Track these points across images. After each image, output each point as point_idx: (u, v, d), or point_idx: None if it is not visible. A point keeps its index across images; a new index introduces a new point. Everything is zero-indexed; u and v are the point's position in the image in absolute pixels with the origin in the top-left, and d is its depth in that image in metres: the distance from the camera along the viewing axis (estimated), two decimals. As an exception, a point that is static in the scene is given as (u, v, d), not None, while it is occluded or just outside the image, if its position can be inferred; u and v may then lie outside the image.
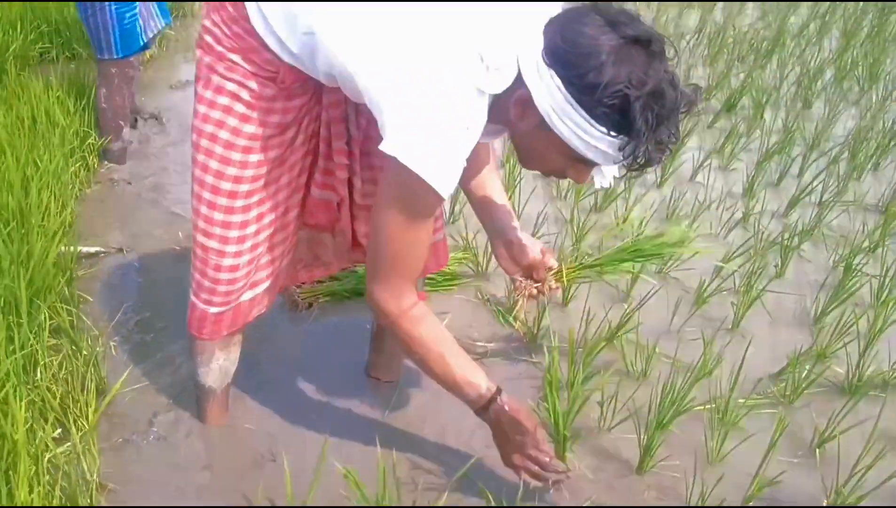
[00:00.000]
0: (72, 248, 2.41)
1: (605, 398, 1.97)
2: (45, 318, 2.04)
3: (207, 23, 1.57)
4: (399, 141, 1.35)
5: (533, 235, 2.67)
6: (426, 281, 2.47)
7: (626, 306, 2.38)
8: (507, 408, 1.60)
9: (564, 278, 1.82)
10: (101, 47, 3.04)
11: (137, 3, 3.02)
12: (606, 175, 1.52)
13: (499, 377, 2.13)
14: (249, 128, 1.59)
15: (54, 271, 2.22)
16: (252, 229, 1.68)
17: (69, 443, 1.76)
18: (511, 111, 1.38)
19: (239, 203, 1.64)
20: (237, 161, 1.61)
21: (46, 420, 1.79)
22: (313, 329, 2.31)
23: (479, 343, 2.27)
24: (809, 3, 5.27)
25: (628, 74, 1.25)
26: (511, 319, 2.35)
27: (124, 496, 1.71)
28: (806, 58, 4.31)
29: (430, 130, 1.34)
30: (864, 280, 2.44)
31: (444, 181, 1.37)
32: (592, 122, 1.29)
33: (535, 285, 1.82)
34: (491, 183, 1.84)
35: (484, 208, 1.85)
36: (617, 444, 1.93)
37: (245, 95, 1.57)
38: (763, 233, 2.76)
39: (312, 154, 1.77)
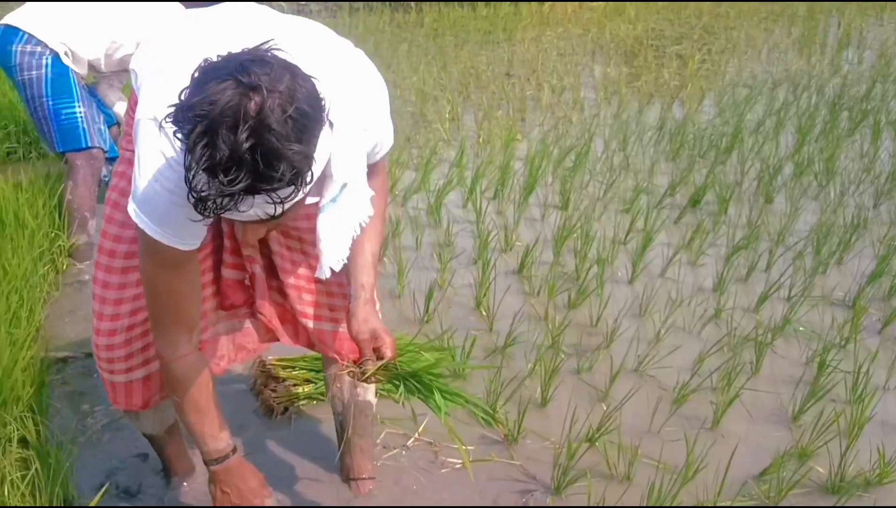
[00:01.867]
0: (41, 354, 2.35)
1: (591, 503, 1.94)
2: (12, 430, 1.98)
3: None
4: (135, 207, 1.40)
5: (509, 334, 2.68)
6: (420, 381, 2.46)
7: (604, 406, 2.38)
8: (239, 464, 1.69)
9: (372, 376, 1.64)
10: (47, 141, 3.15)
11: (75, 103, 3.07)
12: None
13: (480, 477, 2.11)
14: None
15: (23, 379, 2.16)
16: (130, 293, 1.71)
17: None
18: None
19: (117, 263, 1.69)
20: (112, 234, 1.68)
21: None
22: (288, 436, 2.26)
23: (456, 446, 2.23)
24: (764, 98, 5.49)
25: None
26: (492, 420, 2.33)
27: None
28: (765, 154, 4.44)
29: (149, 187, 1.36)
30: (839, 377, 2.46)
31: (162, 232, 1.40)
32: None
33: (349, 369, 1.65)
34: (362, 237, 1.68)
35: (350, 263, 1.70)
36: (605, 552, 1.90)
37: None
38: (736, 329, 2.79)
39: (214, 240, 1.76)
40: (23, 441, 2.02)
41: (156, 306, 1.56)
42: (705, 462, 2.09)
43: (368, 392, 1.98)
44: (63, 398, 2.33)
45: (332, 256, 1.53)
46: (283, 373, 2.42)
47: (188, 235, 1.43)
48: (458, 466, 2.18)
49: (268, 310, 1.85)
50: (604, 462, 2.17)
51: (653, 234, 3.42)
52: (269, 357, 2.44)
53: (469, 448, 2.23)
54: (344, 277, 1.69)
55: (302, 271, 1.81)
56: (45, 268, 2.91)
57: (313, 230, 1.53)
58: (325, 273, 1.54)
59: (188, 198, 1.18)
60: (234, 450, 1.68)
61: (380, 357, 1.62)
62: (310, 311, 1.84)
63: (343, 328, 1.81)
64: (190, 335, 1.60)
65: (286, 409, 2.35)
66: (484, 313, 2.92)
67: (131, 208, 1.40)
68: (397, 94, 5.53)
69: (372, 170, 1.62)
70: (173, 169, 1.33)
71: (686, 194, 3.99)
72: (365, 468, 2.06)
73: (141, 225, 1.40)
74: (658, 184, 4.16)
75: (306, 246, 1.79)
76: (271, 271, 1.83)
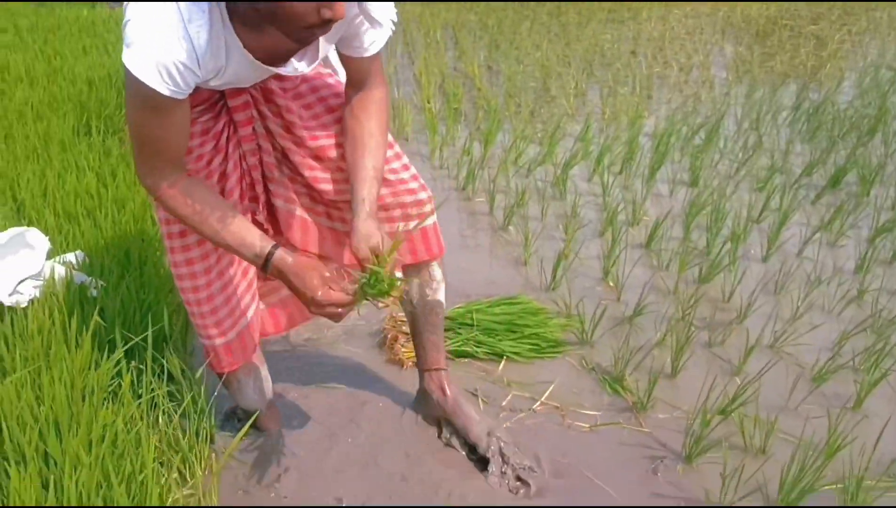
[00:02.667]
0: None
1: (728, 472, 1.89)
2: (163, 365, 2.08)
3: None
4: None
5: (638, 304, 2.64)
6: (532, 345, 2.47)
7: (738, 380, 2.31)
8: (288, 260, 1.56)
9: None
10: None
11: None
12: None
13: (608, 443, 2.09)
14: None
15: (170, 322, 2.27)
16: (213, 259, 1.78)
17: (189, 485, 1.78)
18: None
19: (191, 239, 1.75)
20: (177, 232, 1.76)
21: (169, 466, 1.80)
22: (415, 387, 2.29)
23: (586, 412, 2.22)
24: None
25: None
26: (620, 388, 2.30)
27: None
28: (910, 137, 4.21)
29: (142, 28, 1.37)
30: None
31: (142, 70, 1.37)
32: None
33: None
34: (362, 152, 1.69)
35: (351, 178, 1.69)
36: (740, 521, 1.85)
37: None
38: (881, 311, 2.66)
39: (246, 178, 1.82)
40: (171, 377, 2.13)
41: (139, 143, 1.55)
42: (849, 440, 2.00)
43: (437, 293, 2.00)
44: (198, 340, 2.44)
45: None
46: (412, 329, 2.46)
47: (180, 82, 1.41)
48: (584, 430, 2.16)
49: (298, 237, 1.87)
50: (738, 434, 2.11)
51: (789, 213, 3.29)
52: (400, 313, 2.49)
53: (596, 413, 2.22)
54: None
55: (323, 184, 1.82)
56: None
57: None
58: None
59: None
60: (275, 247, 1.58)
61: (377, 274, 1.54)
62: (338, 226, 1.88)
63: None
64: (175, 166, 1.59)
65: (415, 363, 2.38)
66: (612, 284, 2.88)
67: (126, 56, 1.38)
68: (520, 68, 5.50)
69: (369, 74, 1.70)
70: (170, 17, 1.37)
71: (825, 175, 3.82)
72: (436, 359, 2.08)
73: (133, 70, 1.38)
74: (794, 164, 4.00)
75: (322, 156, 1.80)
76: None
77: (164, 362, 1.99)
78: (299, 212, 1.87)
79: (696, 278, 2.95)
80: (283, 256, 1.57)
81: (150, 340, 1.97)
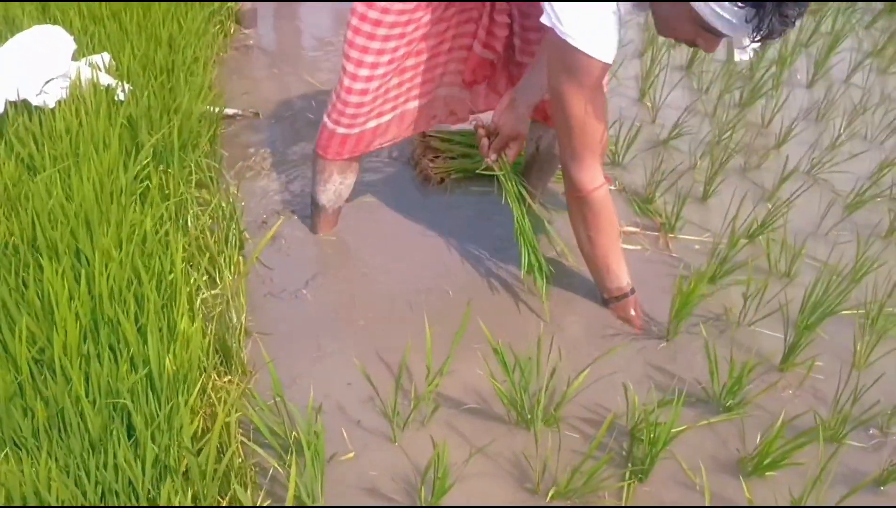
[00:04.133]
0: (216, 109, 2.44)
1: (750, 293, 1.90)
2: (192, 169, 2.09)
3: None
4: (556, 12, 1.49)
5: (675, 126, 2.58)
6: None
7: (769, 206, 2.28)
8: (630, 303, 1.88)
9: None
10: None
11: None
12: (743, 50, 1.52)
13: (633, 265, 2.09)
14: None
15: (199, 128, 2.26)
16: (386, 58, 1.78)
17: (218, 289, 1.82)
18: (675, 21, 1.50)
19: (381, 31, 1.73)
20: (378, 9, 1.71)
21: (198, 267, 1.84)
22: (442, 202, 2.29)
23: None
24: None
25: None
26: (649, 209, 2.28)
27: (266, 341, 1.76)
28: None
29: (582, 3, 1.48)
30: None
31: (600, 47, 1.50)
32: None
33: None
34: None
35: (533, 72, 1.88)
36: (758, 339, 1.87)
37: None
38: (926, 141, 2.58)
39: (476, 16, 1.87)
40: (198, 184, 2.14)
41: (577, 130, 1.65)
42: (876, 266, 1.99)
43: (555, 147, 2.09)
44: (232, 147, 2.44)
45: None
46: (441, 145, 2.43)
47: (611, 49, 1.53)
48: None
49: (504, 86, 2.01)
50: (764, 258, 2.10)
51: (841, 37, 3.13)
52: (430, 131, 2.45)
53: (623, 228, 2.20)
54: None
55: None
56: (216, 28, 2.97)
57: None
58: None
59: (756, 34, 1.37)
60: (633, 290, 1.87)
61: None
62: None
63: None
64: (601, 161, 1.74)
65: (442, 180, 2.37)
66: (648, 104, 2.80)
67: (567, 26, 1.48)
68: None
69: None
70: None
71: (883, -3, 3.60)
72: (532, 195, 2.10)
73: (580, 43, 1.48)
74: (851, -16, 3.77)
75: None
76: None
77: (193, 166, 1.99)
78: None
79: (737, 101, 2.85)
80: (634, 300, 1.88)
81: (175, 144, 1.96)
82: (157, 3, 2.67)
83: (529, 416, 1.59)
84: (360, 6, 1.73)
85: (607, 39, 1.51)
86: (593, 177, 1.72)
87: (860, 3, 3.52)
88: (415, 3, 1.72)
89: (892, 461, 1.57)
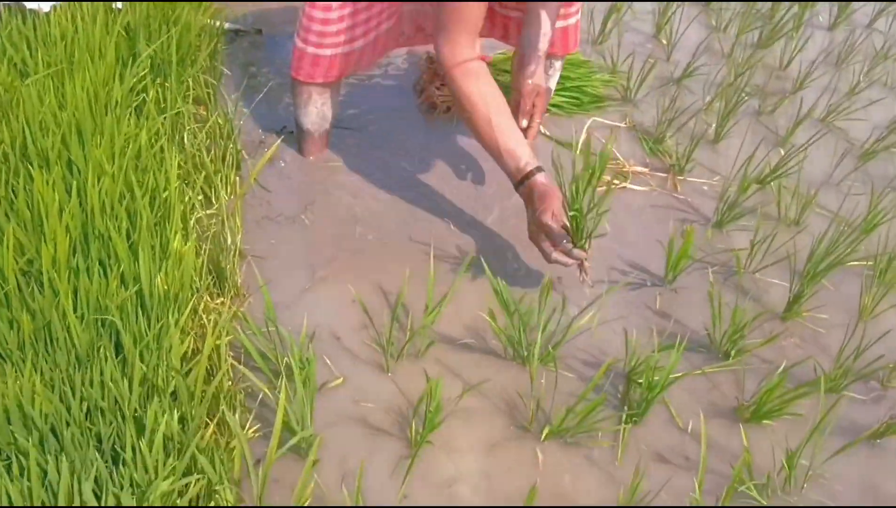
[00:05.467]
0: (216, 23, 2.35)
1: (757, 241, 1.86)
2: (189, 85, 2.02)
3: None
4: None
5: (689, 65, 2.50)
6: (572, 98, 2.36)
7: (782, 151, 2.22)
8: (539, 184, 1.63)
9: None
10: None
11: None
12: None
13: (639, 202, 2.05)
14: None
15: (198, 43, 2.18)
16: None
17: (214, 209, 1.78)
18: None
19: None
20: None
21: (193, 186, 1.79)
22: (449, 132, 2.22)
23: (620, 167, 2.16)
24: None
25: None
26: (659, 149, 2.22)
27: (261, 264, 1.72)
28: None
29: None
30: None
31: None
32: None
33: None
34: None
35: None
36: (762, 287, 1.84)
37: None
38: (948, 91, 2.51)
39: None
40: (195, 101, 2.07)
41: (450, 7, 1.61)
42: (888, 218, 1.94)
43: (552, 80, 2.11)
44: (233, 64, 2.36)
45: None
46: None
47: None
48: (615, 187, 2.10)
49: None
50: (774, 204, 2.06)
51: (868, -20, 3.02)
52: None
53: (632, 168, 2.15)
54: None
55: None
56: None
57: None
58: None
59: None
60: (539, 169, 1.65)
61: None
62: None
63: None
64: (473, 41, 1.66)
65: (448, 108, 2.30)
66: (664, 41, 2.71)
67: None
68: None
69: None
70: None
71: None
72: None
73: None
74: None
75: None
76: None
77: (190, 81, 1.92)
78: None
79: (755, 42, 2.76)
80: (542, 179, 1.63)
81: (174, 57, 1.89)
82: None
83: (526, 354, 1.56)
84: None
85: None
86: (457, 53, 1.65)
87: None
88: None
89: (890, 415, 1.55)
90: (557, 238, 1.60)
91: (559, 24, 1.92)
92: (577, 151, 2.17)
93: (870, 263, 1.88)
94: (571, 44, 2.08)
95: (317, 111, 1.99)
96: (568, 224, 1.61)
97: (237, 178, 1.91)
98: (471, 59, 1.66)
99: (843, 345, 1.62)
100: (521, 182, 1.65)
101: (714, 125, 2.29)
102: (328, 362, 1.55)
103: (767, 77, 2.57)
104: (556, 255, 1.62)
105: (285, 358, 1.44)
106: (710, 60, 2.62)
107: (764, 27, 2.77)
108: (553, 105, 2.35)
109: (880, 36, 2.84)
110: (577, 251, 1.62)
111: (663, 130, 2.25)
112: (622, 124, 2.32)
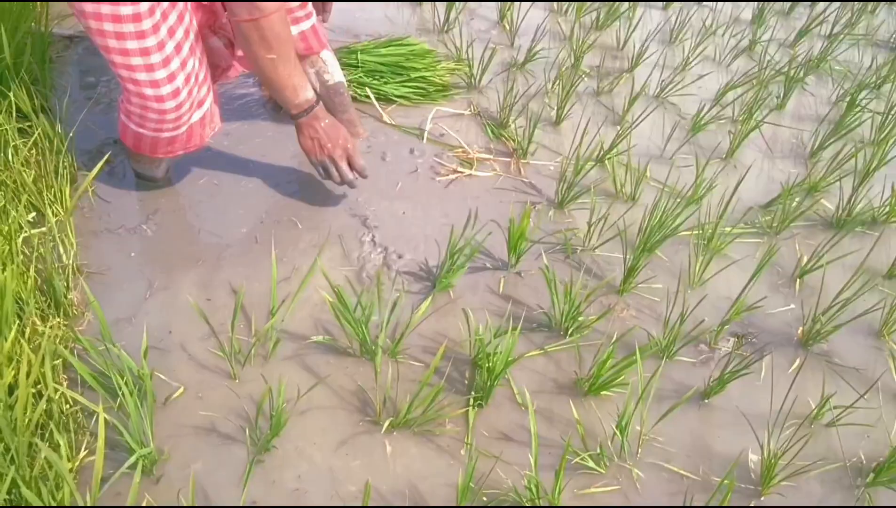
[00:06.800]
0: (44, 28, 2.26)
1: (593, 219, 1.94)
2: (12, 99, 1.94)
3: None
4: None
5: (530, 50, 2.57)
6: (418, 88, 2.39)
7: (619, 130, 2.32)
8: (325, 111, 1.86)
9: None
10: None
11: None
12: None
13: (484, 188, 2.10)
14: None
15: (28, 48, 2.09)
16: (170, 45, 1.62)
17: (45, 227, 1.72)
18: None
19: (146, 24, 1.55)
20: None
21: (19, 201, 1.73)
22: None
23: (465, 154, 2.20)
24: None
25: None
26: (503, 134, 2.28)
27: (99, 279, 1.69)
28: None
29: None
30: (867, 116, 2.37)
31: None
32: None
33: None
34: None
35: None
36: (600, 263, 1.92)
37: None
38: (768, 63, 2.66)
39: None
40: (23, 114, 1.99)
41: None
42: (714, 187, 2.06)
43: (335, 75, 2.06)
44: (65, 75, 2.28)
45: None
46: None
47: None
48: (462, 175, 2.15)
49: None
50: (611, 181, 2.15)
51: (695, -43, 3.17)
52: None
53: (476, 156, 2.20)
54: None
55: None
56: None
57: None
58: None
59: None
60: (318, 101, 1.83)
61: None
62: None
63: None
64: None
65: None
66: (507, 27, 2.77)
67: None
68: None
69: None
70: None
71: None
72: (356, 132, 2.12)
73: None
74: None
75: None
76: None
77: (12, 95, 1.85)
78: None
79: (594, 23, 2.86)
80: (323, 110, 1.85)
81: (-8, 71, 1.81)
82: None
83: (373, 347, 1.59)
84: (102, 7, 1.50)
85: None
86: (260, 7, 1.61)
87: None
88: None
89: (714, 375, 1.66)
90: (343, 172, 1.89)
91: (295, 28, 1.92)
92: (425, 140, 2.21)
93: (697, 232, 1.99)
94: (321, 41, 2.02)
95: (167, 164, 1.96)
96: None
97: (71, 191, 1.86)
98: (263, 16, 1.62)
99: (668, 312, 1.71)
100: (307, 110, 1.82)
101: (556, 108, 2.37)
102: (167, 375, 1.53)
103: (604, 57, 2.67)
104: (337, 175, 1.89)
105: (125, 375, 1.42)
106: (551, 44, 2.70)
107: (601, 8, 2.87)
108: (399, 96, 2.38)
109: (710, 12, 2.99)
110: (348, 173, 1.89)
111: (506, 116, 2.31)
112: (465, 112, 2.37)
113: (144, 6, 1.52)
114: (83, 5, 1.51)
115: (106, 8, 1.50)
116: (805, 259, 1.95)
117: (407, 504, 1.40)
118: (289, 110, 1.82)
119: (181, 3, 1.65)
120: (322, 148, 1.87)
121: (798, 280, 1.94)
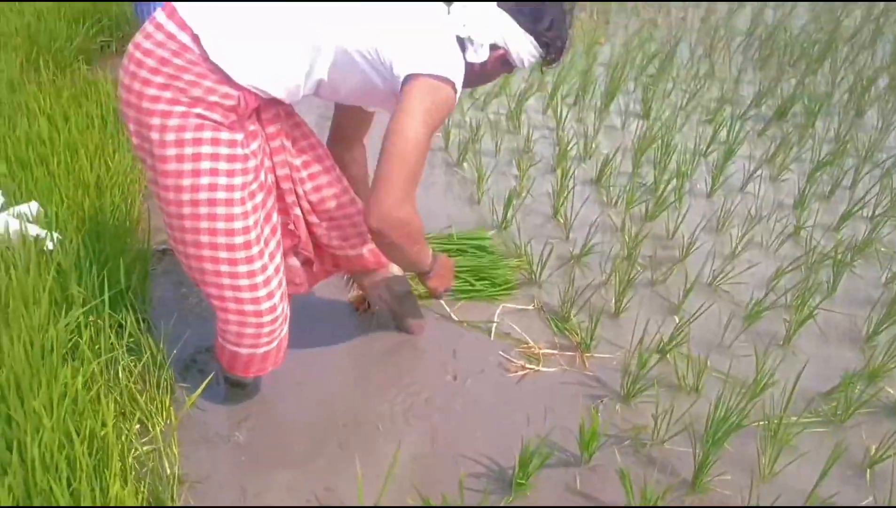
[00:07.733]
0: (146, 246, 2.50)
1: (659, 412, 2.02)
2: (123, 321, 2.14)
3: (140, 56, 1.66)
4: (408, 58, 1.68)
5: (585, 243, 2.74)
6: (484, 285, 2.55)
7: (676, 319, 2.43)
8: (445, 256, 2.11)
9: None
10: None
11: None
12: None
13: (551, 383, 2.20)
14: (236, 174, 1.72)
15: (128, 271, 2.31)
16: (271, 268, 1.83)
17: (149, 437, 1.86)
18: (489, 65, 1.87)
19: (255, 249, 1.77)
20: (239, 208, 1.73)
21: (129, 419, 1.88)
22: (370, 324, 2.38)
23: (532, 350, 2.33)
24: (863, 4, 5.22)
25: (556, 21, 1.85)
26: (566, 328, 2.41)
27: (201, 491, 1.80)
28: (859, 64, 4.28)
29: (430, 42, 1.73)
30: (917, 299, 2.46)
31: (451, 70, 1.70)
32: (537, 47, 1.86)
33: None
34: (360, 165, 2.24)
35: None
36: (670, 458, 1.98)
37: (215, 135, 1.69)
38: (815, 248, 2.79)
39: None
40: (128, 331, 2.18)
41: (412, 165, 1.69)
42: (774, 378, 2.14)
43: (404, 285, 2.29)
44: (163, 287, 2.49)
45: None
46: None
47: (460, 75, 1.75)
48: (531, 371, 2.26)
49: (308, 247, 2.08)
50: (673, 373, 2.24)
51: (735, 146, 3.38)
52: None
53: (542, 351, 2.32)
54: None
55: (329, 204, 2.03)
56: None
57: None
58: None
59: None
60: (435, 254, 2.06)
61: None
62: (335, 243, 2.09)
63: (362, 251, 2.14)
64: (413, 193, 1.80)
65: (369, 306, 2.46)
66: (561, 221, 2.96)
67: (421, 63, 1.68)
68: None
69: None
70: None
71: (773, 106, 3.90)
72: (421, 327, 2.36)
73: (435, 69, 1.67)
74: (744, 94, 4.07)
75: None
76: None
77: (122, 318, 2.04)
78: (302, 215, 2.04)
79: (643, 215, 3.04)
80: (443, 256, 2.10)
81: (106, 298, 2.01)
82: (83, 146, 2.74)
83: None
84: (220, 239, 1.75)
85: (455, 65, 1.74)
86: (413, 205, 1.76)
87: (751, 112, 3.81)
88: (251, 199, 1.78)
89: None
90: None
91: (351, 253, 2.12)
92: (492, 336, 2.35)
93: (763, 423, 2.05)
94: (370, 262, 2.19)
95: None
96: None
97: (172, 404, 2.00)
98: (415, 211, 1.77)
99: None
100: (433, 266, 2.03)
101: (613, 300, 2.50)
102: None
103: (657, 248, 2.82)
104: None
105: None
106: (604, 236, 2.88)
107: (649, 200, 3.06)
108: (461, 290, 2.53)
109: (753, 198, 3.16)
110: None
111: (568, 309, 2.45)
112: (529, 307, 2.51)
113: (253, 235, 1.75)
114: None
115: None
116: (874, 449, 1.99)
117: (412, 506, 1.42)
118: (421, 271, 2.03)
119: (278, 230, 1.87)
120: (448, 282, 2.13)
121: (868, 470, 1.97)
